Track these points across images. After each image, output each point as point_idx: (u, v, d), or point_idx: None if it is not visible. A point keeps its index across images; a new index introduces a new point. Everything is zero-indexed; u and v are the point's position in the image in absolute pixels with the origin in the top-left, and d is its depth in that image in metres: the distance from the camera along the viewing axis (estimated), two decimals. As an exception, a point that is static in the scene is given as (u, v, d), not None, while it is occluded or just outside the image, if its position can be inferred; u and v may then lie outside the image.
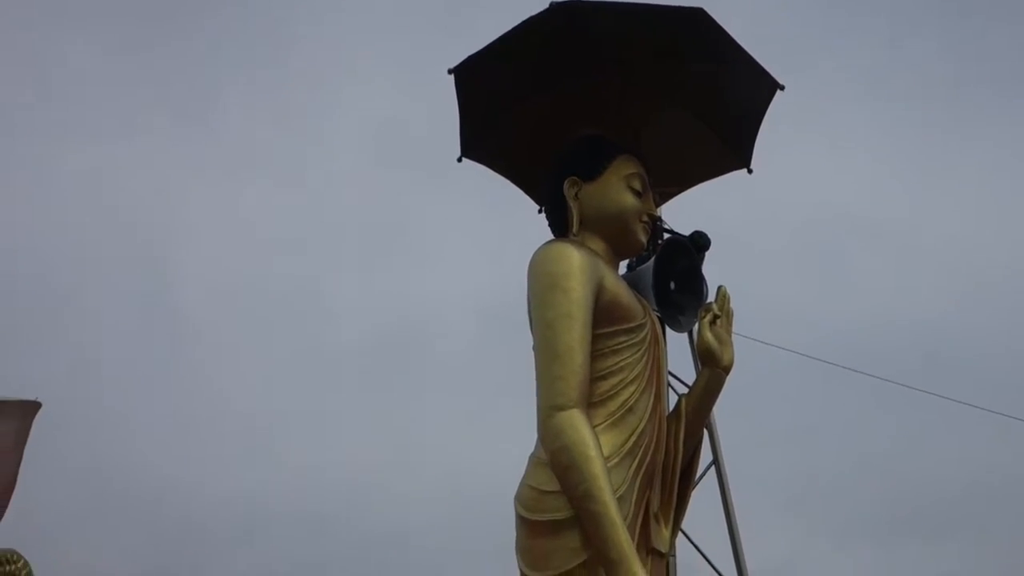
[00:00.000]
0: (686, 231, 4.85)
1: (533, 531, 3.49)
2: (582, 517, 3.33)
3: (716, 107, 4.55)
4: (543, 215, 4.62)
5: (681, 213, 5.11)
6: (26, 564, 4.10)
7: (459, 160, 4.81)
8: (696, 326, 4.34)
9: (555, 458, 3.44)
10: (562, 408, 3.49)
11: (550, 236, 4.27)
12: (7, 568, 4.00)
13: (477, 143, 4.74)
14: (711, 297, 4.32)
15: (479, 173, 4.90)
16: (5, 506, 5.40)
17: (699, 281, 4.62)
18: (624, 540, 3.23)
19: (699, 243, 4.78)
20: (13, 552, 4.08)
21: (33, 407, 5.43)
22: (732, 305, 4.21)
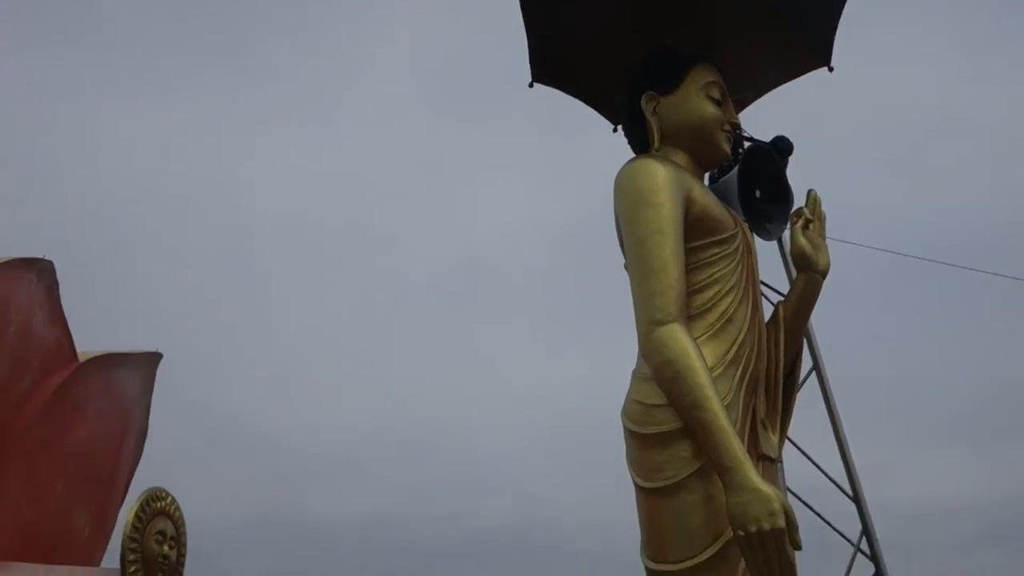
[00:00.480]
0: (767, 137, 4.77)
1: (643, 444, 3.54)
2: (692, 427, 3.36)
3: (793, 4, 4.42)
4: (618, 134, 4.59)
5: (760, 119, 5.01)
6: (174, 500, 4.36)
7: (530, 86, 4.79)
8: (785, 233, 4.31)
9: (659, 372, 3.46)
10: (662, 323, 3.50)
11: (620, 156, 4.23)
12: (159, 504, 4.26)
13: (547, 67, 4.72)
14: (799, 202, 4.27)
15: (541, 100, 4.87)
16: (141, 451, 5.72)
17: (785, 187, 4.56)
18: (737, 446, 3.26)
19: (782, 148, 4.70)
20: (161, 489, 4.34)
21: (156, 357, 5.69)
22: (823, 208, 4.15)
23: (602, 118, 4.99)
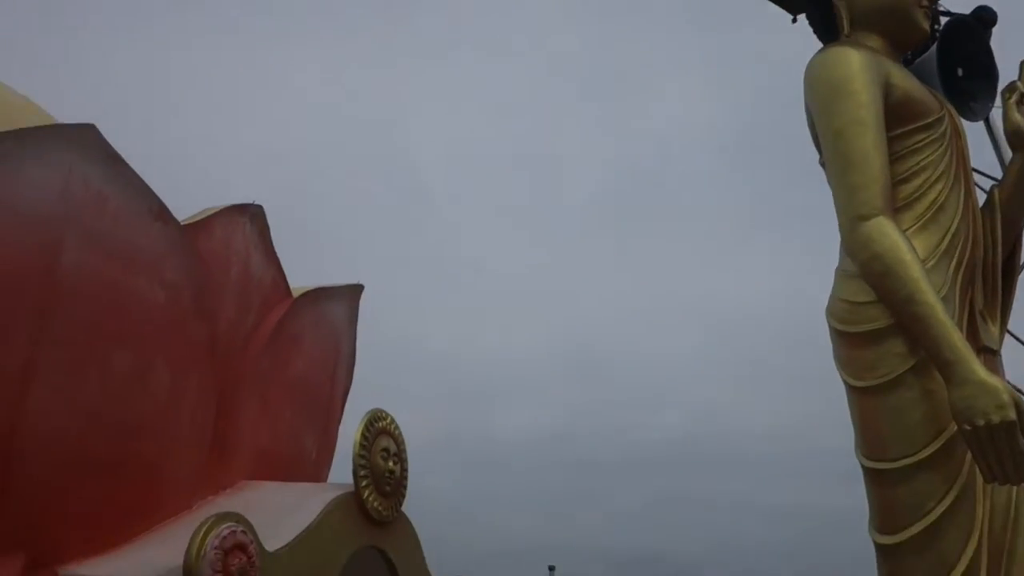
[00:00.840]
0: (967, 9, 4.45)
1: (852, 343, 3.47)
2: (906, 322, 3.26)
3: None
4: (797, 26, 4.39)
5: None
6: (393, 420, 4.66)
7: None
8: (993, 111, 4.05)
9: (868, 268, 3.36)
10: (867, 217, 3.38)
11: (791, 50, 4.06)
12: (381, 424, 4.57)
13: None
14: (1008, 76, 3.98)
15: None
16: (351, 376, 6.11)
17: (989, 62, 4.24)
18: (957, 339, 3.13)
19: (984, 19, 4.37)
20: (381, 410, 4.64)
21: (358, 289, 6.03)
22: (1039, 81, 3.85)
23: (775, 11, 4.79)
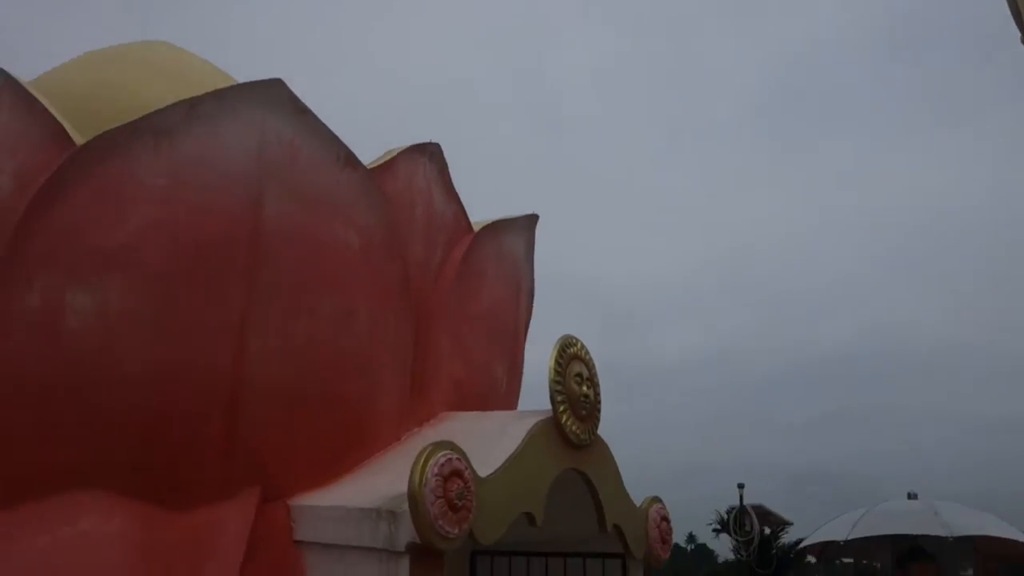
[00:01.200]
0: None
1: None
2: None
3: None
4: None
5: None
6: (583, 345, 4.66)
7: None
8: None
9: None
10: None
11: None
12: (571, 350, 4.60)
13: None
14: None
15: None
16: (531, 306, 6.18)
17: None
18: None
19: None
20: (572, 336, 4.65)
21: (533, 220, 6.06)
22: None
23: None
